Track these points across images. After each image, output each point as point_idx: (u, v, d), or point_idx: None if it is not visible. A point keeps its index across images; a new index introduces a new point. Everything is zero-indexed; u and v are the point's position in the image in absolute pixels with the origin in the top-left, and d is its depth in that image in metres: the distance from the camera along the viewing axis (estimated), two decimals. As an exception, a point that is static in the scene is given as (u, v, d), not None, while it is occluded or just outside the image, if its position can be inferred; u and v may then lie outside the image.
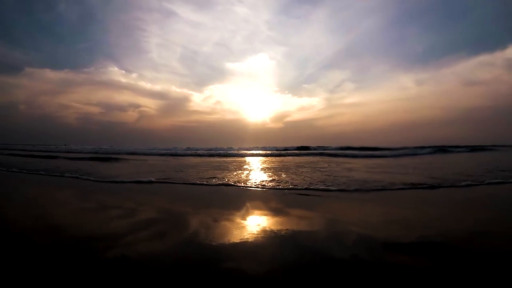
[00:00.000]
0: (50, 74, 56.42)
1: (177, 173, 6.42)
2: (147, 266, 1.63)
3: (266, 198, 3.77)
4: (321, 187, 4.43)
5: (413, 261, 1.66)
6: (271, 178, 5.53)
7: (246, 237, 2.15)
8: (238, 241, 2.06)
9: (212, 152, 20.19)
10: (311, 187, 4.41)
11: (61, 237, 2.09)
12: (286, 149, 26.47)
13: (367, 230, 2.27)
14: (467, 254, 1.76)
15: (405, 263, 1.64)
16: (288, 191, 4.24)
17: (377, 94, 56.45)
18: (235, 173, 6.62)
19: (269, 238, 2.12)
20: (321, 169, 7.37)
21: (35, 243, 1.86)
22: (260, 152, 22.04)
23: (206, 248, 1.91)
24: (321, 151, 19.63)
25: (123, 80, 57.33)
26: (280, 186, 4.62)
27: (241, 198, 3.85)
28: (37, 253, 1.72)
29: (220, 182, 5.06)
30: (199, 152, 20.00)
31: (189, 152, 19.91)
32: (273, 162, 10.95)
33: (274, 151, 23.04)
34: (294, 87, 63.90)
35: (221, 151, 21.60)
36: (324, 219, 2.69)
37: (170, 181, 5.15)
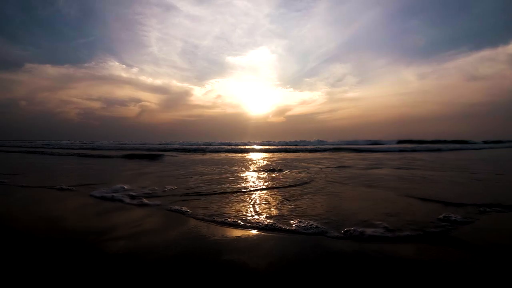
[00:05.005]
0: (50, 70, 56.34)
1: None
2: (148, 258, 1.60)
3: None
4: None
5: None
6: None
7: (247, 230, 2.10)
8: (239, 234, 2.02)
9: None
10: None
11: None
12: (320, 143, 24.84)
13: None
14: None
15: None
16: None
17: (379, 88, 56.27)
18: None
19: (270, 232, 2.07)
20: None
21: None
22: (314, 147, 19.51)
23: (208, 241, 1.89)
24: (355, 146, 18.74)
25: (123, 74, 57.31)
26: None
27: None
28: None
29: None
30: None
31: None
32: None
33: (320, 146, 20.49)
34: (295, 81, 63.78)
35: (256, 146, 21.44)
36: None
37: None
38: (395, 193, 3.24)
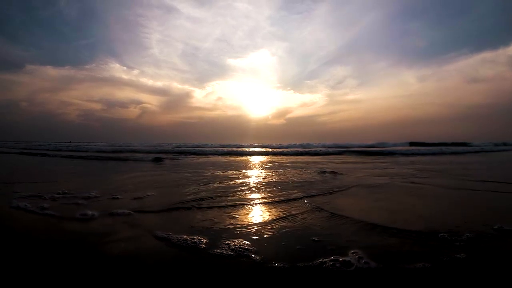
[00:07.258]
0: (51, 71, 56.65)
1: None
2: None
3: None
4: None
5: None
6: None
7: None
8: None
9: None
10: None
11: None
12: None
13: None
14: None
15: None
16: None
17: (380, 90, 55.72)
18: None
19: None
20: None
21: None
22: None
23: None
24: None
25: (124, 76, 57.45)
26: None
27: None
28: None
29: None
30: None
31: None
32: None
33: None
34: (296, 83, 63.42)
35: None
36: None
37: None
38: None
